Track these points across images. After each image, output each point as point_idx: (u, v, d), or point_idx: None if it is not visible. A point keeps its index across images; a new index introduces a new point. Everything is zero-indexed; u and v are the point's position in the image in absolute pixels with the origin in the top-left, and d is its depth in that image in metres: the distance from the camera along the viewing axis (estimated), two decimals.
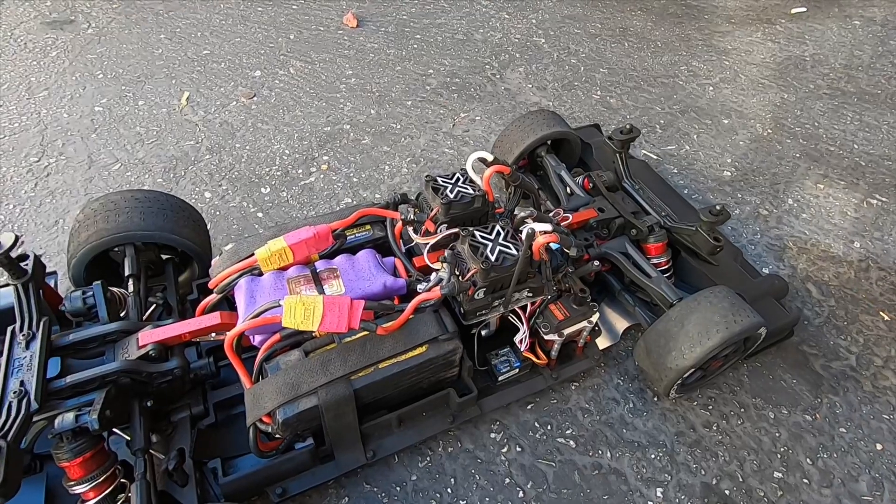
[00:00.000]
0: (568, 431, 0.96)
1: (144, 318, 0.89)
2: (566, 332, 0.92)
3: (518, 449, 0.94)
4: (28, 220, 1.28)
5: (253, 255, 0.84)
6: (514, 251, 0.82)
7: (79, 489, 0.67)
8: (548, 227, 0.83)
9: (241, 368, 0.76)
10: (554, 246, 0.88)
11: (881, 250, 1.34)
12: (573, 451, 0.94)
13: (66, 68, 1.76)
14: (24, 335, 0.73)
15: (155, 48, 1.89)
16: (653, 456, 0.94)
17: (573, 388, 1.02)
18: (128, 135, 1.53)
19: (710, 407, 1.01)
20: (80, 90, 1.68)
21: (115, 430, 0.76)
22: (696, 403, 1.01)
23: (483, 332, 0.93)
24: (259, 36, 1.99)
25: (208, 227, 1.18)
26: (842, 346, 1.13)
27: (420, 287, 0.84)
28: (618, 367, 1.06)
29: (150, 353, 0.75)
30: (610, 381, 1.04)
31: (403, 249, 0.94)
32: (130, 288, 0.90)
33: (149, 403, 0.76)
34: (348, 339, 0.79)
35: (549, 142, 1.29)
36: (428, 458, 0.91)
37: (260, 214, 1.33)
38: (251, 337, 0.83)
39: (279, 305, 0.72)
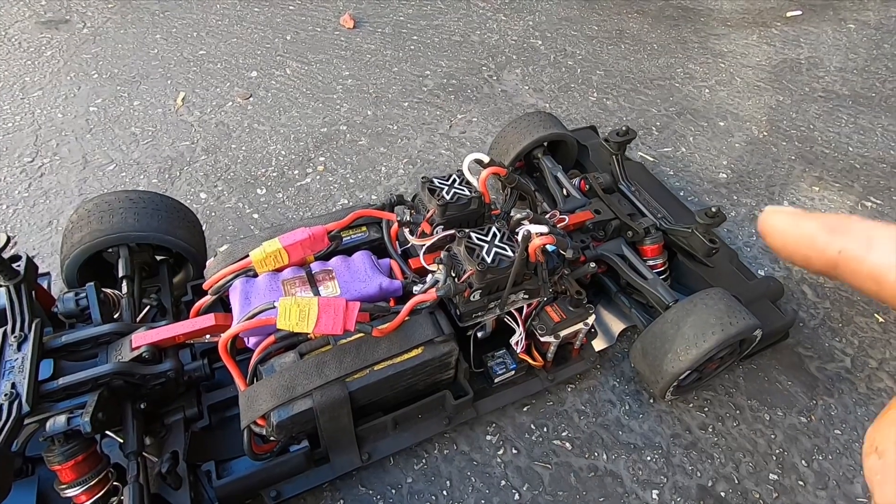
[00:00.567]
0: (564, 433, 0.96)
1: (138, 319, 0.89)
2: (562, 333, 0.92)
3: (514, 451, 0.93)
4: (21, 220, 1.27)
5: (248, 256, 0.84)
6: (510, 253, 0.82)
7: (70, 492, 0.67)
8: (544, 228, 0.83)
9: (235, 370, 0.75)
10: (550, 248, 0.88)
11: None
12: (569, 454, 0.94)
13: (60, 68, 1.76)
14: (15, 337, 0.72)
15: (150, 48, 1.88)
16: (649, 458, 0.94)
17: (569, 390, 1.02)
18: (123, 135, 1.52)
19: (706, 409, 1.01)
20: (74, 90, 1.67)
21: (107, 432, 0.75)
22: (691, 405, 1.01)
23: (479, 334, 0.93)
24: (255, 36, 1.99)
25: (204, 228, 1.18)
26: (837, 348, 1.13)
27: (416, 289, 0.84)
28: (614, 368, 1.06)
29: (144, 354, 0.75)
30: (606, 383, 1.04)
31: (399, 251, 0.94)
32: (124, 289, 0.89)
33: (142, 406, 0.76)
34: (344, 340, 0.79)
35: (545, 143, 1.29)
36: (423, 461, 0.91)
37: (256, 215, 1.33)
38: (246, 339, 0.82)
39: (274, 307, 0.72)
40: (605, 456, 0.94)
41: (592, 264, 1.00)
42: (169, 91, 1.70)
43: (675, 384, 0.92)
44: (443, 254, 0.84)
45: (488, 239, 0.84)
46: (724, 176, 1.55)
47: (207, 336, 0.82)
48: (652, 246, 1.08)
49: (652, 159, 1.59)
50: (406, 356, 0.79)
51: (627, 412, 1.00)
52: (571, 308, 0.92)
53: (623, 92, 1.86)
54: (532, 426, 0.97)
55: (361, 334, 0.79)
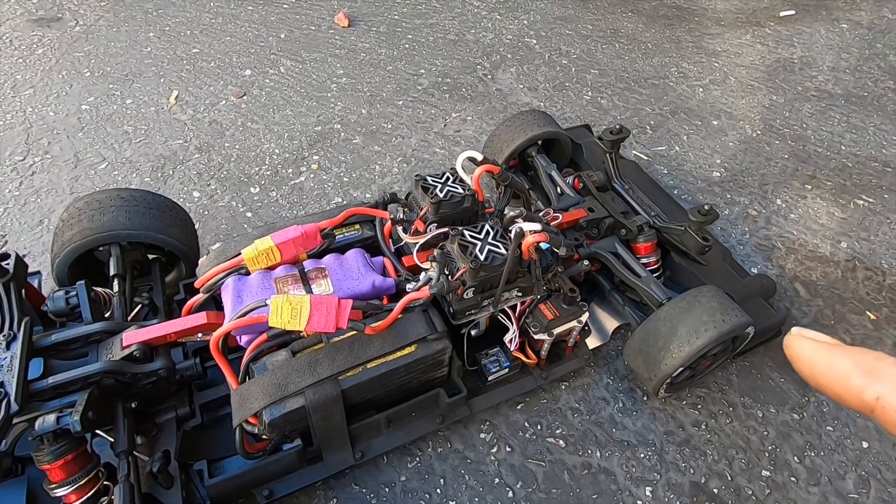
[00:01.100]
0: (558, 431, 0.96)
1: (130, 318, 0.88)
2: (556, 331, 0.92)
3: (508, 449, 0.93)
4: (12, 219, 1.26)
5: (240, 254, 0.83)
6: (503, 250, 0.82)
7: (60, 492, 0.66)
8: (537, 226, 0.83)
9: (227, 369, 0.75)
10: (544, 246, 0.88)
11: (868, 250, 1.36)
12: (563, 451, 0.94)
13: (52, 66, 1.74)
14: (4, 336, 0.72)
15: (143, 46, 1.87)
16: (642, 455, 0.94)
17: (563, 387, 1.02)
18: (115, 133, 1.51)
19: (699, 406, 1.01)
20: (66, 88, 1.66)
21: (98, 431, 0.75)
22: (685, 403, 1.02)
23: (473, 332, 0.93)
24: (249, 35, 1.98)
25: (197, 226, 1.17)
26: None
27: (409, 287, 0.84)
28: (608, 366, 1.06)
29: (135, 353, 0.74)
30: (600, 381, 1.04)
31: (393, 249, 0.94)
32: (115, 288, 0.89)
33: (133, 405, 0.75)
34: (336, 338, 0.79)
35: (539, 142, 1.29)
36: (417, 459, 0.91)
37: (249, 214, 1.32)
38: (238, 337, 0.82)
39: (266, 305, 0.71)
40: (598, 453, 0.94)
41: (586, 262, 1.01)
42: (162, 89, 1.69)
43: (668, 381, 0.92)
44: (436, 251, 0.84)
45: (481, 237, 0.84)
46: (718, 174, 1.56)
47: (199, 335, 0.82)
48: (645, 244, 1.09)
49: (646, 158, 1.60)
50: (399, 354, 0.79)
51: (621, 409, 1.00)
52: (565, 306, 0.92)
53: (617, 91, 1.86)
54: (526, 424, 0.97)
55: (354, 332, 0.79)
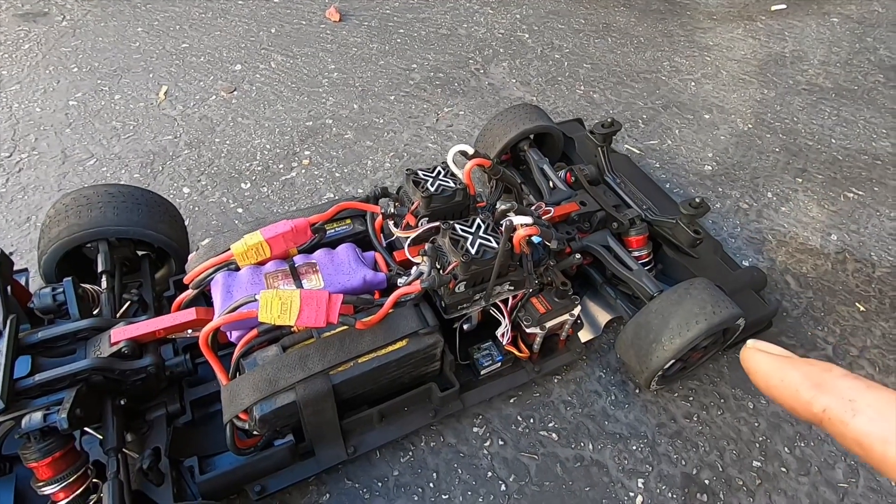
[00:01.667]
0: (550, 424, 0.97)
1: (119, 315, 0.87)
2: (548, 325, 0.92)
3: (500, 442, 0.93)
4: None
5: (229, 249, 0.82)
6: (494, 244, 0.82)
7: (48, 490, 0.66)
8: (528, 219, 0.83)
9: (217, 365, 0.74)
10: (536, 239, 0.88)
11: (857, 243, 1.37)
12: (555, 444, 0.94)
13: (38, 61, 1.72)
14: None
15: (132, 41, 1.85)
16: (634, 447, 0.94)
17: (556, 381, 1.02)
18: (103, 129, 1.50)
19: (691, 398, 1.02)
20: (53, 84, 1.64)
21: (87, 429, 0.74)
22: (676, 395, 1.02)
23: (465, 327, 0.93)
24: (239, 29, 1.96)
25: (187, 223, 1.16)
26: (819, 336, 1.15)
27: (400, 281, 0.83)
28: (600, 359, 1.06)
29: (123, 350, 0.74)
30: (592, 374, 1.04)
31: (384, 243, 0.93)
32: (104, 285, 0.88)
33: (122, 402, 0.75)
34: (327, 333, 0.78)
35: (531, 136, 1.29)
36: (410, 453, 0.91)
37: (240, 210, 1.31)
38: (228, 333, 0.81)
39: (255, 300, 0.71)
40: (591, 446, 0.94)
41: (578, 256, 1.01)
42: (151, 85, 1.67)
43: (660, 374, 0.92)
44: (427, 246, 0.83)
45: (473, 230, 0.84)
46: (710, 168, 1.56)
47: (189, 331, 0.81)
48: (637, 237, 1.09)
49: (638, 152, 1.60)
50: (390, 348, 0.79)
51: (613, 402, 1.00)
52: (557, 299, 0.92)
53: (610, 85, 1.86)
54: (518, 417, 0.97)
55: (345, 327, 0.78)
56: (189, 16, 2.01)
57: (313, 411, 0.76)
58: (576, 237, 1.07)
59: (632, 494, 0.89)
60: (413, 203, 0.93)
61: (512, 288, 0.89)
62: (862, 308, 1.21)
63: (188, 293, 0.83)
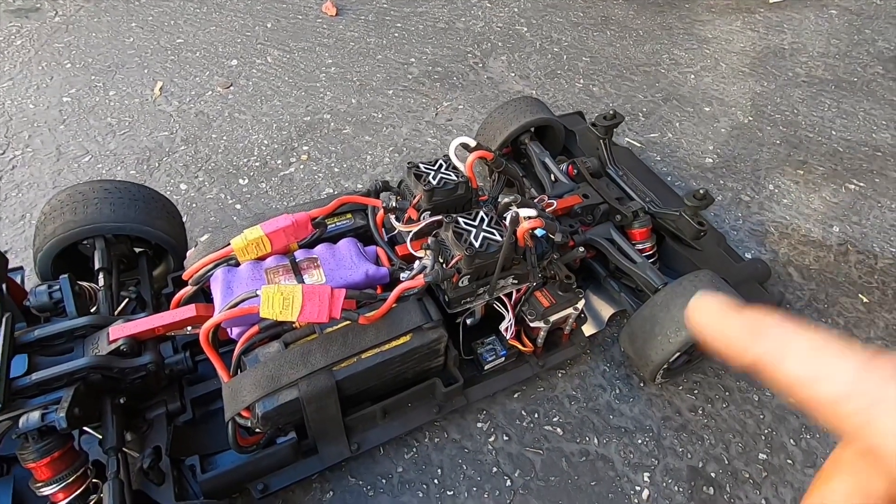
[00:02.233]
0: (555, 419, 0.96)
1: (117, 312, 0.86)
2: (552, 319, 0.91)
3: (505, 438, 0.93)
4: None
5: (229, 244, 0.81)
6: (498, 237, 0.81)
7: (47, 490, 0.64)
8: (532, 212, 0.82)
9: (217, 362, 0.73)
10: (539, 233, 0.87)
11: (859, 234, 1.36)
12: (560, 439, 0.93)
13: (31, 57, 1.69)
14: None
15: (126, 37, 1.82)
16: (639, 441, 0.94)
17: (560, 375, 1.02)
18: (98, 126, 1.48)
19: (696, 391, 1.01)
20: (46, 80, 1.61)
21: (86, 428, 0.73)
22: (681, 388, 1.02)
23: (468, 321, 0.92)
24: (235, 24, 1.94)
25: (185, 219, 1.14)
26: (823, 328, 1.14)
27: (403, 275, 0.82)
28: (604, 353, 1.06)
29: (122, 347, 0.72)
30: (596, 368, 1.03)
31: (386, 238, 0.92)
32: (101, 282, 0.86)
33: (121, 400, 0.73)
34: (330, 329, 0.77)
35: (532, 129, 1.27)
36: (414, 450, 0.90)
37: (238, 206, 1.30)
38: (229, 330, 0.80)
39: (256, 295, 0.69)
40: (596, 440, 0.94)
41: (581, 249, 1.00)
42: (146, 80, 1.65)
43: (664, 367, 0.91)
44: (430, 239, 0.82)
45: (476, 223, 0.83)
46: (711, 160, 1.55)
47: (189, 328, 0.80)
48: (640, 229, 1.08)
49: (639, 145, 1.59)
50: (394, 343, 0.78)
51: (618, 396, 1.00)
52: (561, 293, 0.91)
53: (609, 78, 1.85)
54: (523, 412, 0.96)
55: (348, 322, 0.77)
56: (184, 11, 1.99)
57: (316, 408, 0.75)
58: (579, 230, 1.06)
59: (638, 488, 0.88)
60: (415, 197, 0.92)
61: (516, 282, 0.88)
62: (865, 299, 1.21)
63: (187, 289, 0.82)
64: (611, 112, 1.19)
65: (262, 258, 0.83)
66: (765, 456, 0.93)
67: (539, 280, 0.90)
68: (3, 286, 0.78)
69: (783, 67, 1.97)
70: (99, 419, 0.71)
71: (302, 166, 1.42)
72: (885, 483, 0.21)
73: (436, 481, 0.87)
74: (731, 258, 1.10)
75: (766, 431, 0.96)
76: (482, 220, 0.83)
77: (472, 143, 0.93)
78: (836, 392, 0.20)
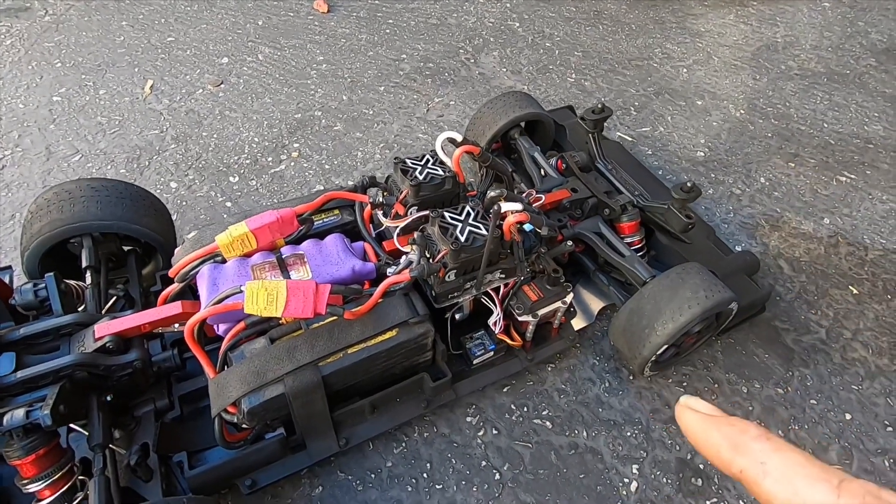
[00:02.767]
0: (544, 413, 0.96)
1: (105, 310, 0.86)
2: (540, 312, 0.91)
3: (494, 431, 0.93)
4: None
5: (214, 241, 0.81)
6: (484, 231, 0.81)
7: (33, 487, 0.64)
8: (518, 206, 0.82)
9: (203, 358, 0.73)
10: (528, 228, 0.87)
11: (850, 226, 1.36)
12: (550, 432, 0.93)
13: (21, 57, 1.69)
14: None
15: (116, 36, 1.82)
16: (628, 434, 0.94)
17: (549, 369, 1.02)
18: (88, 125, 1.47)
19: (685, 384, 1.02)
20: (36, 79, 1.61)
21: (73, 426, 0.73)
22: (671, 381, 1.02)
23: (457, 316, 0.92)
24: (226, 22, 1.94)
25: (175, 218, 1.15)
26: (812, 320, 1.14)
27: (390, 271, 0.82)
28: (593, 347, 1.06)
29: (108, 345, 0.72)
30: (586, 362, 1.04)
31: (373, 233, 0.92)
32: (88, 280, 0.86)
33: (108, 398, 0.73)
34: (316, 324, 0.77)
35: (522, 124, 1.27)
36: (403, 444, 0.90)
37: (228, 204, 1.30)
38: (216, 327, 0.80)
39: (241, 291, 0.70)
40: (585, 433, 0.94)
41: (570, 243, 1.00)
42: (136, 79, 1.64)
43: (653, 359, 0.92)
44: (416, 234, 0.82)
45: (462, 218, 0.83)
46: (702, 154, 1.55)
47: (176, 325, 0.80)
48: (629, 223, 1.08)
49: (630, 139, 1.59)
50: (380, 338, 0.78)
51: (607, 389, 1.00)
52: (549, 287, 0.92)
53: (601, 73, 1.85)
54: (512, 406, 0.96)
55: (334, 318, 0.77)
56: (174, 9, 1.98)
57: (303, 403, 0.75)
58: (567, 224, 1.06)
59: (626, 480, 0.89)
60: (402, 192, 0.92)
61: (503, 276, 0.88)
62: (855, 291, 1.21)
63: (174, 287, 0.82)
64: (599, 105, 1.19)
65: (249, 255, 0.83)
66: None
67: (527, 274, 0.90)
68: None
69: (776, 61, 1.97)
70: (86, 416, 0.71)
71: (293, 163, 1.41)
72: None
73: (425, 475, 0.87)
74: (720, 251, 1.10)
75: (754, 423, 0.96)
76: (468, 214, 0.84)
77: (459, 138, 0.93)
78: None
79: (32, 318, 0.83)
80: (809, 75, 1.90)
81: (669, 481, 0.89)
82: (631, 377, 1.02)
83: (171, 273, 0.83)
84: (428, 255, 0.81)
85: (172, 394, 0.82)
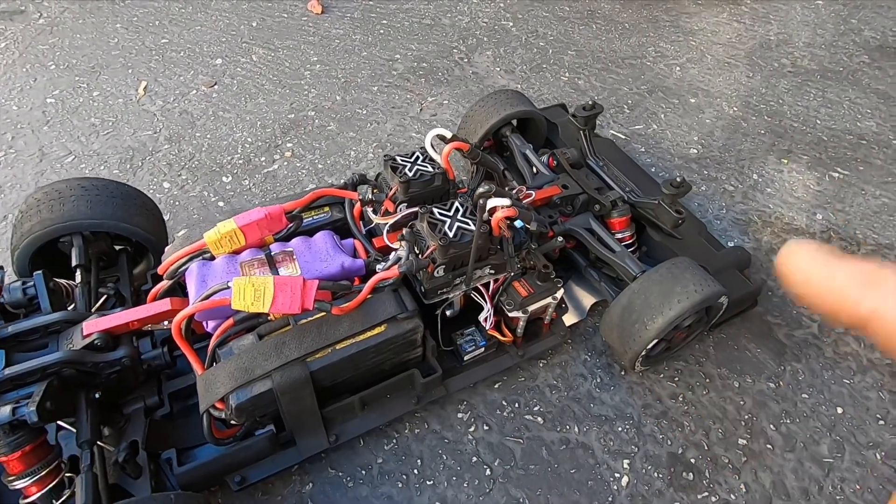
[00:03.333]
0: (536, 408, 0.96)
1: (95, 309, 0.86)
2: (531, 308, 0.91)
3: (485, 428, 0.93)
4: None
5: (202, 238, 0.81)
6: (473, 227, 0.81)
7: (19, 484, 0.65)
8: (506, 201, 0.82)
9: (191, 354, 0.73)
10: (518, 224, 0.87)
11: (842, 221, 1.37)
12: (541, 428, 0.93)
13: (15, 59, 1.69)
14: None
15: (110, 38, 1.82)
16: (620, 429, 0.94)
17: (541, 365, 1.02)
18: (82, 126, 1.48)
19: (677, 379, 1.02)
20: (30, 82, 1.61)
21: (62, 423, 0.73)
22: (662, 376, 1.02)
23: (448, 312, 0.92)
24: (220, 24, 1.94)
25: (168, 218, 1.15)
26: (804, 314, 1.14)
27: (379, 267, 0.82)
28: (585, 343, 1.06)
29: (96, 342, 0.72)
30: (577, 358, 1.04)
31: (364, 230, 0.92)
32: (78, 279, 0.86)
33: (97, 395, 0.73)
34: (304, 320, 0.77)
35: (514, 122, 1.28)
36: (394, 441, 0.90)
37: (221, 203, 1.30)
38: (205, 323, 0.80)
39: (228, 287, 0.70)
40: (576, 429, 0.94)
41: (560, 239, 1.00)
42: (130, 81, 1.65)
43: (644, 354, 0.92)
44: (405, 230, 0.83)
45: (451, 214, 0.83)
46: (695, 151, 1.56)
47: (166, 322, 0.80)
48: (619, 219, 1.08)
49: (624, 137, 1.59)
50: (369, 334, 0.78)
51: (599, 385, 1.00)
52: (539, 283, 0.92)
53: (595, 71, 1.85)
54: (503, 402, 0.96)
55: (322, 314, 0.77)
56: (169, 11, 1.98)
57: (291, 399, 0.75)
58: (558, 221, 1.06)
59: (617, 475, 0.88)
60: (391, 189, 0.92)
61: (493, 272, 0.88)
62: None
63: (163, 284, 0.82)
64: (590, 102, 1.19)
65: (238, 252, 0.83)
66: (745, 441, 0.94)
67: (517, 270, 0.90)
68: None
69: (769, 58, 1.97)
70: (74, 414, 0.71)
71: (286, 163, 1.42)
72: None
73: (416, 471, 0.87)
74: (711, 246, 1.10)
75: (745, 417, 0.97)
76: (457, 210, 0.84)
77: (449, 135, 0.93)
78: None
79: (22, 316, 0.83)
80: (803, 72, 1.90)
81: (661, 476, 0.89)
82: (623, 373, 1.02)
83: (160, 270, 0.83)
84: (417, 251, 0.81)
85: (162, 391, 0.82)
